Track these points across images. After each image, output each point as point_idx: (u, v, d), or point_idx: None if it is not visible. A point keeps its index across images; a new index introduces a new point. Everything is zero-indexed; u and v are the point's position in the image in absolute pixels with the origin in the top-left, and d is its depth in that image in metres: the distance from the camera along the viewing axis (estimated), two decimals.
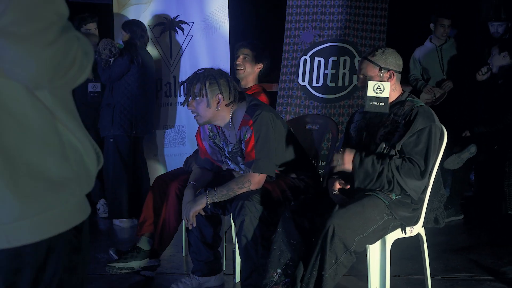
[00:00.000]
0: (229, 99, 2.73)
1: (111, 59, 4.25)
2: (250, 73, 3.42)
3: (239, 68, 3.44)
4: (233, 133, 2.79)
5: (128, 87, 4.29)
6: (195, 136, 2.99)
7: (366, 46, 4.40)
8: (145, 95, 4.35)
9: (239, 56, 3.43)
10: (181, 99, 4.68)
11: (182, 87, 2.78)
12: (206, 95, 2.67)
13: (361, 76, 2.60)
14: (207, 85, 2.67)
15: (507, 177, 4.04)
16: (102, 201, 4.70)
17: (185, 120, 4.68)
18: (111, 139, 4.33)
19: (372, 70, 2.56)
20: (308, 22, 4.52)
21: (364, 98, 2.60)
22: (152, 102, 4.44)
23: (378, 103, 2.51)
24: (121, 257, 3.09)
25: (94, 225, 4.54)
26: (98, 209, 4.69)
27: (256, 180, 2.68)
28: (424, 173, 2.44)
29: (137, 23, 4.38)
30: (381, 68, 2.55)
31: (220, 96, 2.69)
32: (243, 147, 2.75)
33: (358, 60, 4.34)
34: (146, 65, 4.34)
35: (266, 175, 2.71)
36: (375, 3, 4.44)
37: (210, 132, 2.90)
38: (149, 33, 4.68)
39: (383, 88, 2.50)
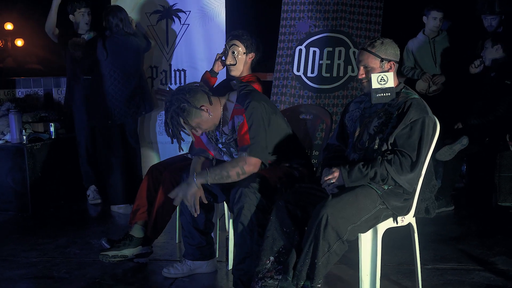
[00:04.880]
0: (209, 101, 2.74)
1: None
2: (242, 64, 3.40)
3: (230, 65, 3.41)
4: (226, 123, 2.81)
5: (98, 78, 4.32)
6: None
7: (362, 37, 4.41)
8: (115, 84, 4.30)
9: (229, 52, 3.38)
10: (176, 86, 4.69)
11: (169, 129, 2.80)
12: (195, 120, 2.69)
13: (362, 67, 2.60)
14: (185, 114, 2.67)
15: (498, 169, 4.09)
16: (92, 187, 4.70)
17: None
18: (94, 128, 4.50)
19: (374, 62, 2.57)
20: (304, 12, 4.52)
21: (363, 88, 2.63)
22: (128, 90, 4.34)
23: (384, 94, 2.54)
24: (114, 245, 3.11)
25: (84, 211, 4.56)
26: (88, 195, 4.70)
27: (252, 161, 2.68)
28: (415, 165, 2.47)
29: (113, 12, 4.32)
30: (382, 59, 2.56)
31: (203, 106, 2.72)
32: (236, 135, 2.77)
33: (354, 51, 4.38)
34: (118, 54, 4.30)
35: (260, 161, 2.72)
36: None
37: None
38: (146, 21, 4.67)
39: (387, 79, 2.52)
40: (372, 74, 2.54)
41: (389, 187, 2.51)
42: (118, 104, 4.30)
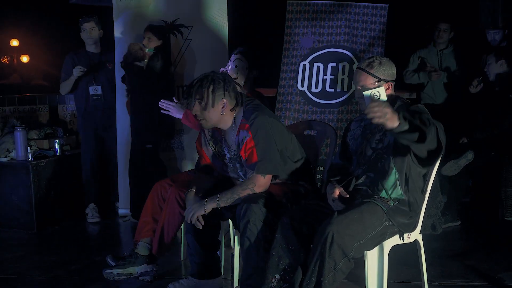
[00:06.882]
0: (233, 103, 2.75)
1: (140, 63, 4.25)
2: (243, 78, 3.42)
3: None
4: (234, 137, 2.80)
5: (153, 94, 4.23)
6: (196, 142, 3.00)
7: (365, 52, 4.43)
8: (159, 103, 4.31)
9: (232, 67, 3.41)
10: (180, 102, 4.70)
11: (186, 91, 2.78)
12: (212, 100, 2.69)
13: (359, 88, 2.60)
14: (210, 89, 2.70)
15: (504, 183, 4.08)
16: (91, 205, 4.67)
17: (184, 125, 4.69)
18: (148, 146, 4.35)
19: (371, 82, 2.57)
20: (307, 28, 4.54)
21: (361, 108, 2.64)
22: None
23: None
24: (119, 263, 3.10)
25: (89, 228, 4.54)
26: (87, 214, 4.67)
27: (261, 182, 2.68)
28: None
29: (165, 29, 4.34)
30: (379, 80, 2.57)
31: (225, 100, 2.72)
32: (240, 151, 2.76)
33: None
34: (169, 73, 4.36)
35: (271, 177, 2.71)
36: (374, 10, 4.47)
37: (211, 138, 2.91)
38: None
39: (379, 94, 2.52)
40: (363, 92, 2.54)
41: (395, 204, 2.50)
42: (161, 123, 4.33)
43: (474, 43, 4.91)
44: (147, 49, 4.38)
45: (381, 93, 2.52)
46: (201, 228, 2.77)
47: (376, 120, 2.20)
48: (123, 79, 4.54)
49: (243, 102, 2.80)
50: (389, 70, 2.59)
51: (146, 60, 4.31)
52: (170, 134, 4.52)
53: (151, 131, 4.32)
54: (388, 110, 2.18)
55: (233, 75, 3.39)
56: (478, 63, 4.64)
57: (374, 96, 2.51)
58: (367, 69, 2.58)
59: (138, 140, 4.38)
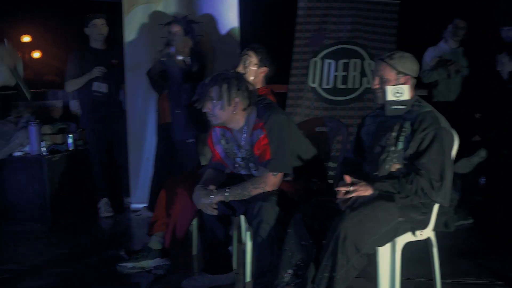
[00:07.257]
0: (246, 103, 2.76)
1: (182, 57, 4.17)
2: (252, 75, 3.41)
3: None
4: (246, 137, 2.81)
5: (194, 87, 4.19)
6: (207, 141, 3.01)
7: (377, 49, 4.42)
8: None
9: (241, 63, 3.41)
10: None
11: (198, 88, 2.79)
12: (224, 98, 2.70)
13: (377, 78, 2.59)
14: (224, 88, 2.70)
15: None
16: (104, 200, 4.69)
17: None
18: (190, 140, 4.30)
19: (389, 73, 2.56)
20: (318, 24, 4.54)
21: (376, 99, 2.63)
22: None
23: (399, 107, 2.53)
24: (132, 257, 3.13)
25: (104, 222, 4.57)
26: (99, 208, 4.68)
27: (272, 181, 2.70)
28: (441, 181, 2.42)
29: (190, 21, 4.31)
30: (398, 72, 2.56)
31: (237, 99, 2.72)
32: (254, 149, 2.77)
33: (369, 63, 4.38)
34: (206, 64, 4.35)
35: (282, 175, 2.72)
36: (385, 6, 4.46)
37: (222, 137, 2.92)
38: (159, 32, 4.69)
39: (402, 91, 2.51)
40: (387, 86, 2.54)
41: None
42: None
43: (487, 39, 4.89)
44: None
45: (405, 91, 2.51)
46: (216, 214, 2.78)
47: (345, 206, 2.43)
48: (149, 73, 4.41)
49: (256, 101, 2.81)
50: (409, 64, 2.57)
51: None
52: (207, 128, 4.48)
53: (193, 125, 4.29)
54: (356, 191, 2.40)
55: (241, 71, 3.39)
56: (490, 60, 4.62)
57: (396, 92, 2.50)
58: (386, 60, 2.57)
59: (180, 135, 4.28)
